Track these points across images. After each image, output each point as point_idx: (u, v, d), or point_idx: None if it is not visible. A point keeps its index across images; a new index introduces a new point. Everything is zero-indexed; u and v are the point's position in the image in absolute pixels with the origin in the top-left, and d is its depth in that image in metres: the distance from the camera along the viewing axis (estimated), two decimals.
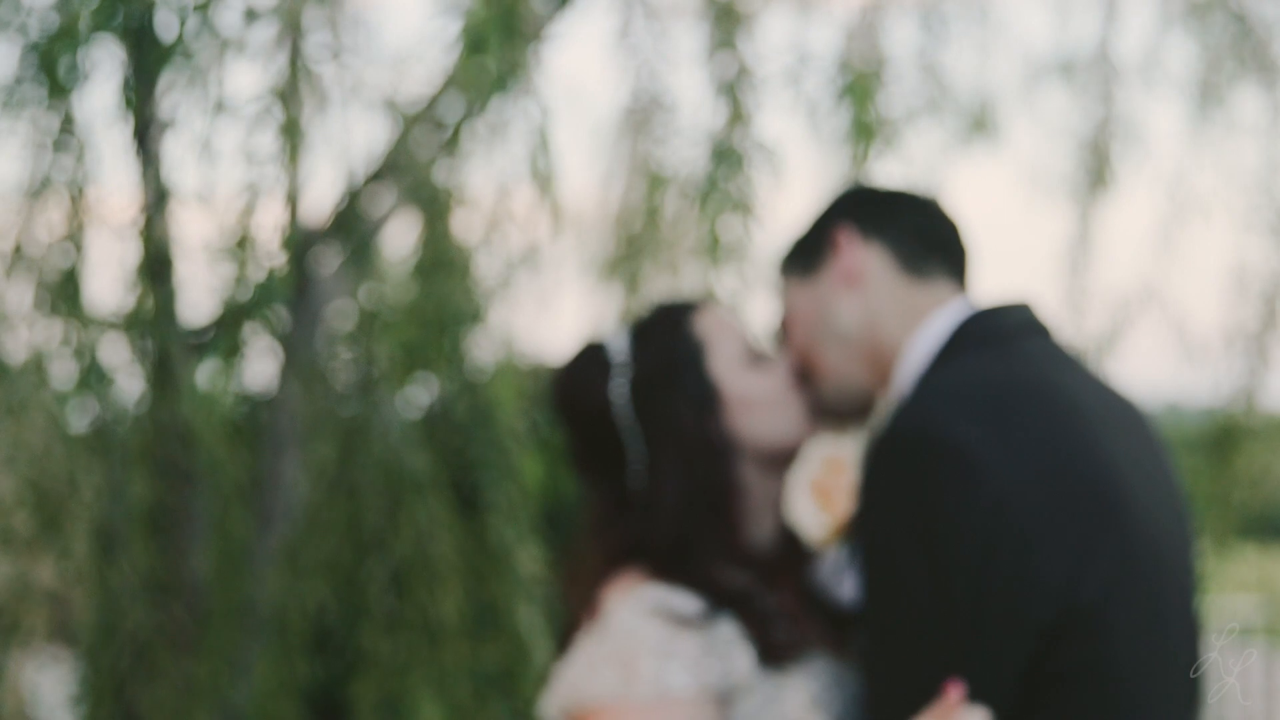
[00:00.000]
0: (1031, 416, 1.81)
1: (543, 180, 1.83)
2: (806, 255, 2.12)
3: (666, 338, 2.08)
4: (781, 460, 2.07)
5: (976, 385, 1.85)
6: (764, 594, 1.96)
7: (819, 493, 1.99)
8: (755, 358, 2.10)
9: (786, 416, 2.07)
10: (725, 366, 2.07)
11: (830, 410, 2.10)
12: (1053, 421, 1.82)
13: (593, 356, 2.10)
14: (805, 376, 2.10)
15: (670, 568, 1.92)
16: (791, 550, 2.11)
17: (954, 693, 1.68)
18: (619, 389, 2.05)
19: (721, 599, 1.90)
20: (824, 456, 2.01)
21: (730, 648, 1.87)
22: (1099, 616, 1.74)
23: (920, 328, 1.99)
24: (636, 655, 1.82)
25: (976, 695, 1.70)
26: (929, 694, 1.70)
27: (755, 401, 2.06)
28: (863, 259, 2.05)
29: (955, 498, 1.72)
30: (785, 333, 2.15)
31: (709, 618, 1.87)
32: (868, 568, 1.80)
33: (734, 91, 2.33)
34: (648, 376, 2.05)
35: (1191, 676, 1.89)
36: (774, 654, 1.89)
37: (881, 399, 2.07)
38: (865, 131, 5.12)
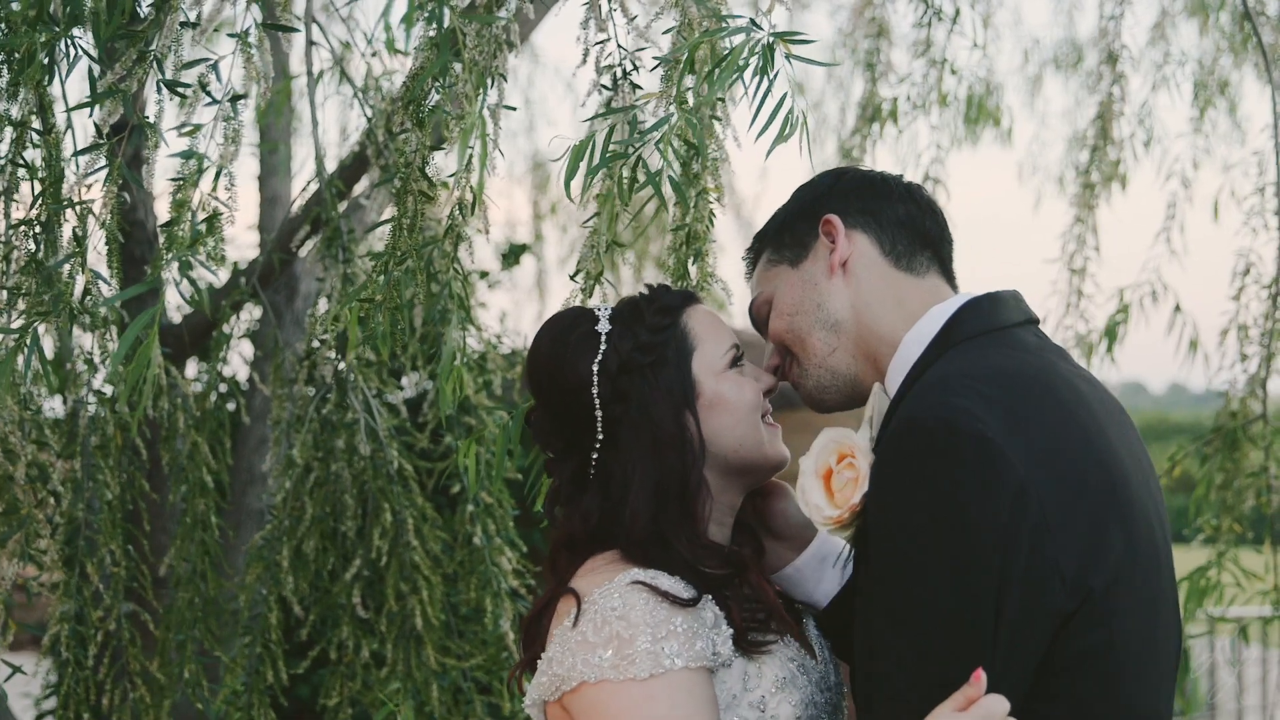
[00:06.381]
0: (1042, 406, 1.82)
1: (513, 166, 1.74)
2: (793, 242, 2.11)
3: (659, 326, 2.07)
4: (740, 473, 2.06)
5: (989, 375, 1.84)
6: (741, 582, 2.00)
7: (828, 482, 1.98)
8: (737, 364, 2.11)
9: (753, 429, 2.08)
10: (708, 367, 2.07)
11: (813, 399, 2.10)
12: (1061, 411, 1.83)
13: (580, 328, 2.08)
14: (788, 364, 2.11)
15: (649, 553, 1.95)
16: (756, 547, 2.14)
17: (978, 680, 1.67)
18: (602, 367, 2.03)
19: (701, 583, 1.94)
20: (834, 446, 1.99)
21: (714, 630, 1.91)
22: (1107, 601, 1.76)
23: (919, 321, 1.98)
24: (632, 634, 1.85)
25: (997, 682, 1.69)
26: (950, 681, 1.69)
27: (726, 408, 2.07)
28: (850, 248, 2.05)
29: (978, 486, 1.72)
30: (765, 318, 2.13)
31: (695, 599, 1.91)
32: (885, 555, 1.79)
33: (714, 76, 2.25)
34: (632, 361, 2.04)
35: (1174, 656, 1.93)
36: (752, 639, 1.94)
37: (869, 390, 2.06)
38: (868, 116, 5.07)
